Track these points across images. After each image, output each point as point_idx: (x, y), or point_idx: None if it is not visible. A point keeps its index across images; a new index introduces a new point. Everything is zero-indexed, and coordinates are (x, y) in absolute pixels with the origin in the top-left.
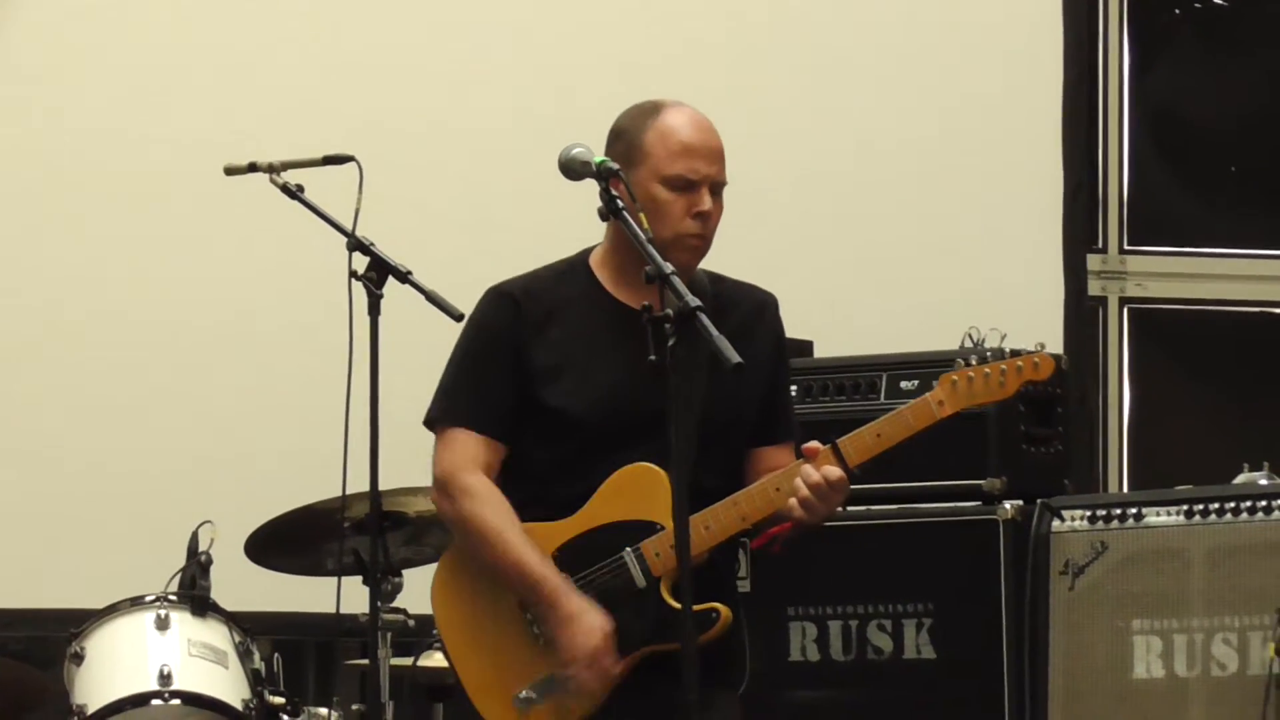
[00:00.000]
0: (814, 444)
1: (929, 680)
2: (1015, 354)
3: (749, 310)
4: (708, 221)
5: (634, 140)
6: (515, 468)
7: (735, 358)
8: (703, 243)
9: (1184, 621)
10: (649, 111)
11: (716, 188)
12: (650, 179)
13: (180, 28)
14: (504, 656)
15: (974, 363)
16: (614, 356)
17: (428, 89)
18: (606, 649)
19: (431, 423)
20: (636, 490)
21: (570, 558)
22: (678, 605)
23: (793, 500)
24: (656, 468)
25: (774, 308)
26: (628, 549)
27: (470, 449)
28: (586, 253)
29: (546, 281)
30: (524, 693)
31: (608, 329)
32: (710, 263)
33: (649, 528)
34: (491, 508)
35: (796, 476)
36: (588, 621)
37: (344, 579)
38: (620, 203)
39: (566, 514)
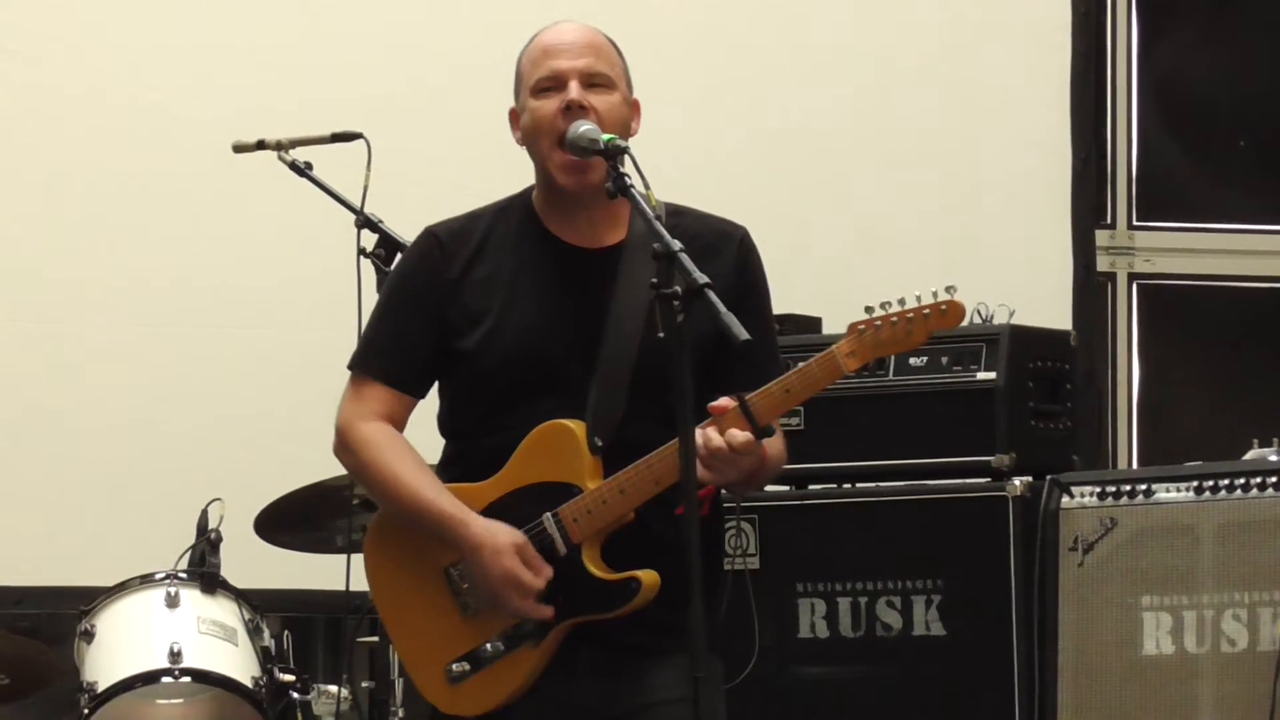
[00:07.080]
0: (723, 401)
1: (938, 657)
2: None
3: (706, 244)
4: (585, 114)
5: (516, 76)
6: (446, 423)
7: (743, 335)
8: None
9: (1194, 598)
10: (526, 43)
11: (591, 80)
12: (526, 99)
13: (188, 4)
14: (433, 627)
15: (880, 310)
16: (538, 299)
17: (436, 65)
18: (517, 566)
19: (350, 368)
20: (553, 449)
21: None
22: (600, 574)
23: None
24: (570, 424)
25: (738, 241)
26: (547, 514)
27: (373, 401)
28: (531, 188)
29: (482, 220)
30: (455, 665)
31: (537, 267)
32: None
33: (568, 490)
34: (388, 452)
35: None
36: (492, 545)
37: (353, 556)
38: (628, 180)
39: (493, 470)
